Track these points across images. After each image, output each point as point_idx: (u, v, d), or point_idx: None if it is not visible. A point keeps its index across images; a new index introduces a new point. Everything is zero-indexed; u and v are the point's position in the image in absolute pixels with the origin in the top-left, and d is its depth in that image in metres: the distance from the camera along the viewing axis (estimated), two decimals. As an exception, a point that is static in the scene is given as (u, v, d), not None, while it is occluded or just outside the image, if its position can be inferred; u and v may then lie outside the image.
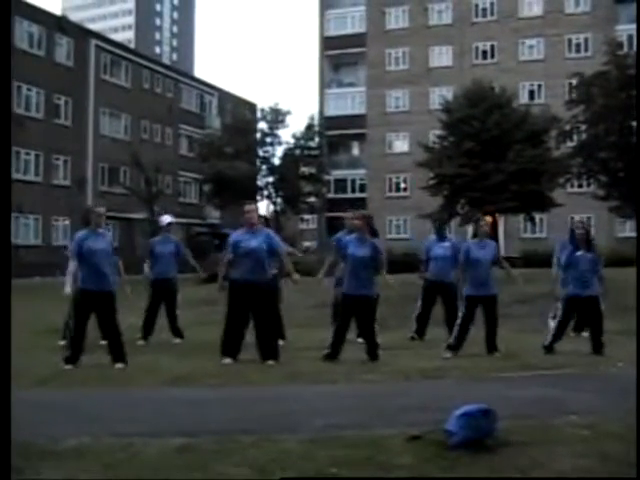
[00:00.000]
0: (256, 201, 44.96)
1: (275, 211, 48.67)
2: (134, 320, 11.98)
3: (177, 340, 12.43)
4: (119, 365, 9.12)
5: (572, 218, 12.00)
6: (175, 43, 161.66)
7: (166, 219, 12.99)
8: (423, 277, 12.82)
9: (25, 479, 4.40)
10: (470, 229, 35.12)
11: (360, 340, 10.37)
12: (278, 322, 11.98)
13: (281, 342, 11.81)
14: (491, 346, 10.41)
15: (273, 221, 49.61)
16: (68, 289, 9.36)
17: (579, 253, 10.58)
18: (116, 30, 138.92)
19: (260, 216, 13.65)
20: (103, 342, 10.08)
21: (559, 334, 10.63)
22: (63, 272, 10.20)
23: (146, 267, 12.65)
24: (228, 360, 9.47)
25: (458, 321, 10.49)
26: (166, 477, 4.52)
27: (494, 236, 38.20)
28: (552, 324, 11.42)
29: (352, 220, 10.36)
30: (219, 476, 4.53)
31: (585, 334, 11.46)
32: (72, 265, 9.43)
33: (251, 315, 9.72)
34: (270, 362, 9.40)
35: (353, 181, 56.38)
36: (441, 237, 12.77)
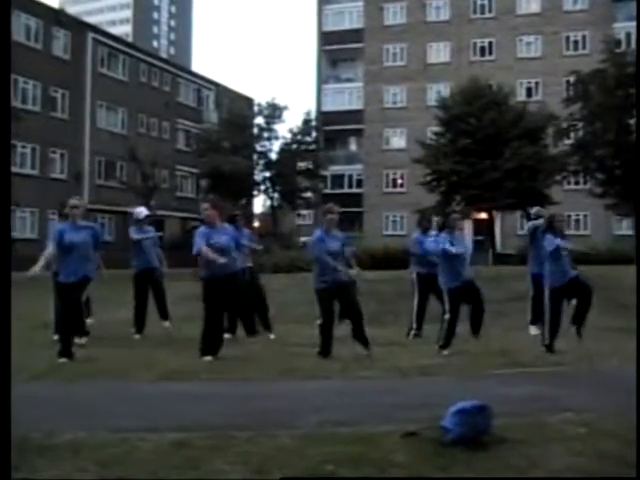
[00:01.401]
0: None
1: (272, 206, 48.66)
2: (124, 314, 11.96)
3: (166, 323, 12.46)
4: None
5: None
6: (173, 37, 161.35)
7: (142, 211, 12.91)
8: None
9: (20, 477, 4.39)
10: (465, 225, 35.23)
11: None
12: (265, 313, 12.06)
13: (272, 336, 11.88)
14: (476, 328, 10.63)
15: (270, 216, 49.62)
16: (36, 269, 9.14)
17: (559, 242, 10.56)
18: (113, 23, 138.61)
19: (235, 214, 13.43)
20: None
21: (554, 330, 10.52)
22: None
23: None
24: (209, 358, 9.46)
25: (446, 316, 10.51)
26: (161, 473, 4.52)
27: (490, 233, 38.38)
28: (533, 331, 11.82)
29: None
30: (214, 472, 4.53)
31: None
32: (49, 250, 9.39)
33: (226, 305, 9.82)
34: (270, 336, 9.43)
35: (350, 177, 56.30)
36: (425, 232, 12.79)
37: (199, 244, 9.36)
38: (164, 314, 12.66)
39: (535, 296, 12.59)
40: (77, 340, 10.03)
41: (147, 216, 12.81)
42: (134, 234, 12.50)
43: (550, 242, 10.38)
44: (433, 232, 12.92)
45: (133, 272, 12.59)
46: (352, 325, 10.00)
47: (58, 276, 9.77)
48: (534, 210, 12.82)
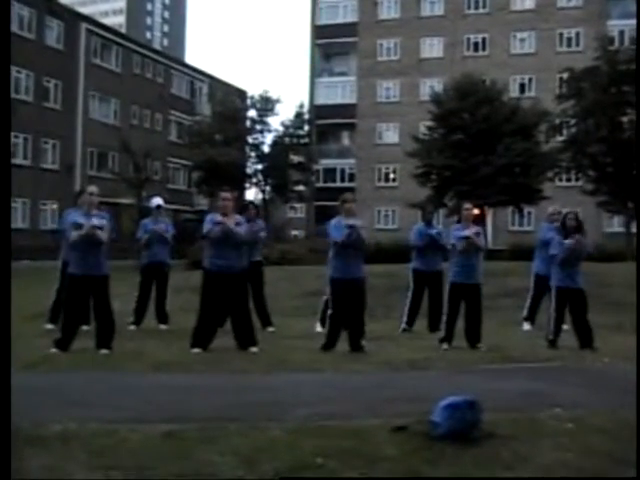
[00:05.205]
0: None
1: (264, 199, 48.63)
2: (119, 305, 11.91)
3: (163, 326, 12.38)
4: (104, 351, 9.06)
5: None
6: (166, 28, 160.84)
7: (156, 201, 12.82)
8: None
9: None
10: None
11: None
12: (264, 309, 12.07)
13: (271, 329, 11.88)
14: (474, 338, 10.26)
15: (262, 209, 49.58)
16: None
17: (568, 242, 10.38)
18: (107, 14, 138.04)
19: (248, 203, 13.62)
20: (86, 327, 10.09)
21: (558, 330, 10.50)
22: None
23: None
24: (197, 350, 9.30)
25: (445, 310, 10.47)
26: (151, 463, 4.52)
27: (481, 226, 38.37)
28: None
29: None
30: (204, 463, 4.53)
31: (565, 326, 11.14)
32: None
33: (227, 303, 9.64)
34: (253, 349, 9.36)
35: (342, 170, 56.33)
36: (429, 226, 12.60)
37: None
38: (162, 317, 12.55)
39: (535, 296, 12.61)
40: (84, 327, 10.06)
41: (159, 206, 12.67)
42: (141, 231, 12.42)
43: (556, 246, 10.37)
44: (438, 226, 13.04)
45: (141, 264, 12.60)
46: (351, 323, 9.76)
47: (67, 266, 9.68)
48: (551, 210, 12.87)
